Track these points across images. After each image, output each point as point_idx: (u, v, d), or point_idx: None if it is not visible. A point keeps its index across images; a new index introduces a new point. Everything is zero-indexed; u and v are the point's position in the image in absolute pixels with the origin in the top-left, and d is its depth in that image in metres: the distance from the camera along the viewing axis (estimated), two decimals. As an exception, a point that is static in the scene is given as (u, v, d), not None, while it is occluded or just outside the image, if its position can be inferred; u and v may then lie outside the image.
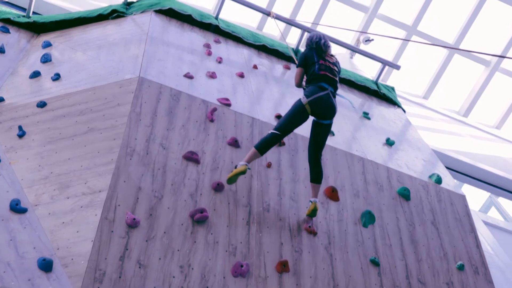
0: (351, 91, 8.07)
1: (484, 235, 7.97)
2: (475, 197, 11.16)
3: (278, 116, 5.89)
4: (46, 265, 3.67)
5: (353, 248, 4.99)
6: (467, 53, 14.20)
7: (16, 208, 4.03)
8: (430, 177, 6.40)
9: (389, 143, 6.81)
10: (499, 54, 14.29)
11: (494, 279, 6.14)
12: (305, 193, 5.19)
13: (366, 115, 7.37)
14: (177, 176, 4.57)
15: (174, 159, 4.69)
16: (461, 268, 5.40)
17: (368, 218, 5.29)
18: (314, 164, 4.87)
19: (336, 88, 4.86)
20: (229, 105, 5.59)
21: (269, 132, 4.69)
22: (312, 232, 4.83)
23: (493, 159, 12.05)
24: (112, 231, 3.92)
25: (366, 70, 11.60)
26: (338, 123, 6.49)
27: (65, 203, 4.11)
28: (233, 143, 5.18)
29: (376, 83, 8.60)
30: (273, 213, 4.82)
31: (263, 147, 4.63)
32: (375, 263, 5.00)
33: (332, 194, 5.31)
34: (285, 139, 5.57)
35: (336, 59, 5.05)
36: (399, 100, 9.05)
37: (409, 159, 6.57)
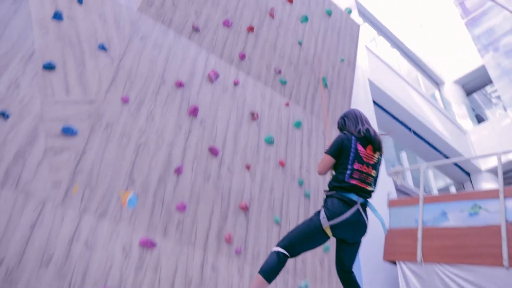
0: None
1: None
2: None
3: None
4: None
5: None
6: None
7: None
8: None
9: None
10: None
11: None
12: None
13: None
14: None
15: None
16: (342, 60, 8.44)
17: (304, 19, 7.90)
18: (346, 283, 3.76)
19: (369, 197, 3.63)
20: None
21: (274, 251, 3.52)
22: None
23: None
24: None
25: None
26: None
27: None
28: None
29: None
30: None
31: (270, 274, 3.46)
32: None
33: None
34: None
35: (380, 155, 3.73)
36: None
37: None
